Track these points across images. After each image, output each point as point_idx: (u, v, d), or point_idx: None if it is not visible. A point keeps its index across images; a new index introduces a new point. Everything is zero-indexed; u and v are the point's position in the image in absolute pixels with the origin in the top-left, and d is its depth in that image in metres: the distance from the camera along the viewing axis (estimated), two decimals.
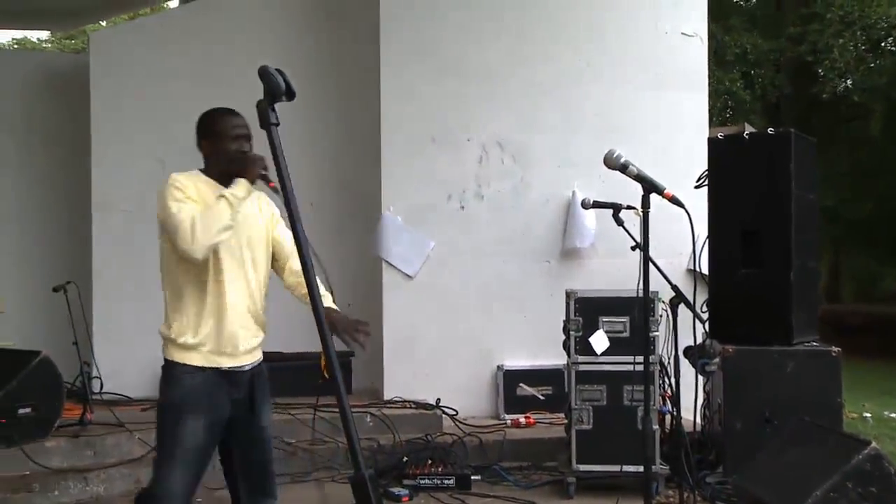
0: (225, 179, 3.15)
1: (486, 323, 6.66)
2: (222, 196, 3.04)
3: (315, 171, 6.83)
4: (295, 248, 2.89)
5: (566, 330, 5.31)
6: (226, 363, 3.22)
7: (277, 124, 1.56)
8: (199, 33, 7.23)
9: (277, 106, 1.72)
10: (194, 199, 3.10)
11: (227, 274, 3.19)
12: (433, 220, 6.69)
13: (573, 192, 6.64)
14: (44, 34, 19.19)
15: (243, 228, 3.21)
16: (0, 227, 7.62)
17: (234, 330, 3.21)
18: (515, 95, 6.77)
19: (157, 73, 7.07)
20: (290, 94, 1.55)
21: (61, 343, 5.95)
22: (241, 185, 3.09)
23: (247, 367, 3.29)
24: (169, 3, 10.39)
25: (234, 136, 3.25)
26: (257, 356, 3.35)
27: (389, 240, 6.62)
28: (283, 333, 6.92)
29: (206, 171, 3.28)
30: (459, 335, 6.62)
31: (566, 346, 5.31)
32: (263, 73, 1.55)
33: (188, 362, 3.21)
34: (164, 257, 3.27)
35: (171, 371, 3.24)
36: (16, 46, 17.26)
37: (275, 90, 1.55)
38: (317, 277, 2.85)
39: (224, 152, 3.24)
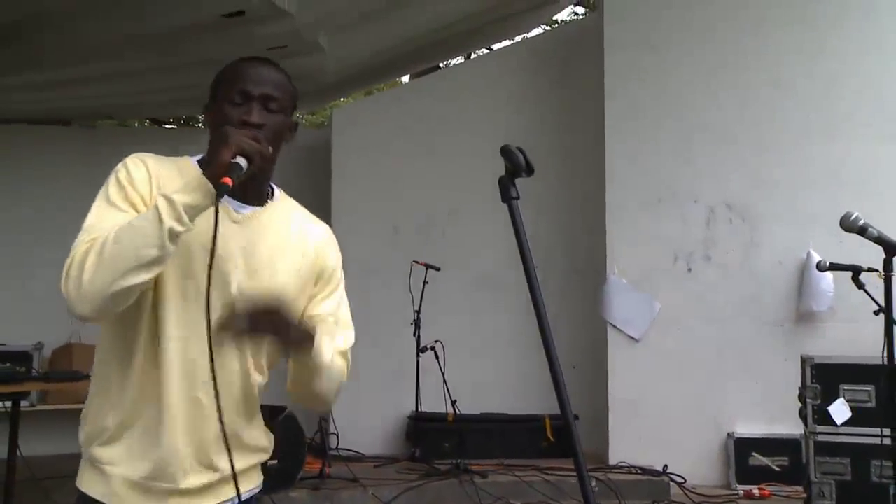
0: None
1: (715, 388, 6.44)
2: (161, 198, 1.68)
3: (539, 231, 6.97)
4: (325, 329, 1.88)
5: (802, 398, 5.05)
6: None
7: (518, 198, 1.66)
8: (429, 105, 7.63)
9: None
10: (136, 201, 1.79)
11: (172, 343, 1.81)
12: (660, 282, 6.61)
13: (808, 253, 6.35)
14: None
15: (235, 261, 1.86)
16: None
17: (174, 446, 1.81)
18: (744, 154, 6.61)
19: (391, 144, 7.53)
20: (529, 171, 1.65)
21: None
22: (193, 183, 1.70)
23: None
24: (402, 78, 11.02)
25: (236, 91, 1.86)
26: (229, 495, 1.88)
27: (615, 302, 6.60)
28: (507, 395, 7.10)
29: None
30: (688, 400, 6.44)
31: (803, 414, 5.05)
32: (505, 152, 1.66)
33: (89, 492, 1.85)
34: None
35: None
36: None
37: (516, 167, 1.65)
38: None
39: (218, 121, 1.87)
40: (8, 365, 5.10)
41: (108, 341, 1.85)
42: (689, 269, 6.60)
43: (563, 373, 1.65)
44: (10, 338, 6.94)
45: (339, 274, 2.07)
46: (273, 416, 5.68)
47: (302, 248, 1.98)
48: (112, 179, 1.81)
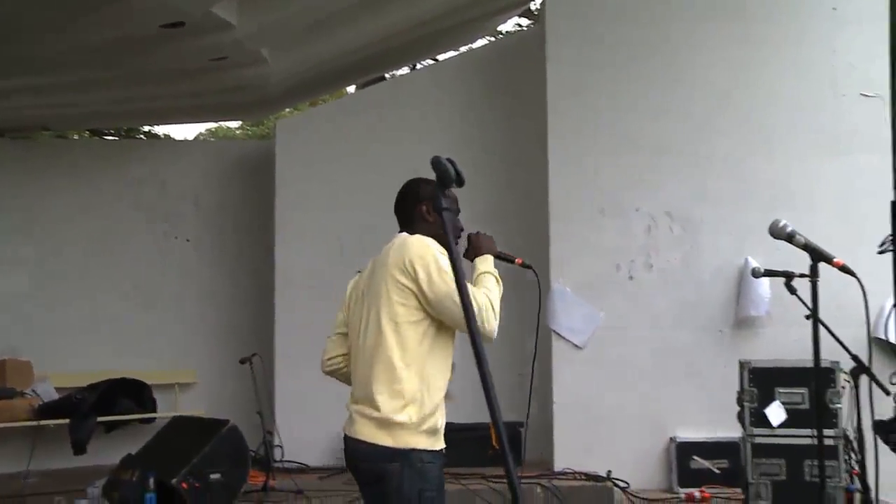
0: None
1: (658, 394, 6.55)
2: (488, 273, 3.29)
3: None
4: None
5: (740, 401, 5.17)
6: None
7: (448, 209, 1.70)
8: (374, 115, 7.66)
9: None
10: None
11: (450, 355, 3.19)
12: (602, 291, 6.69)
13: (746, 260, 6.49)
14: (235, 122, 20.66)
15: None
16: (193, 302, 8.20)
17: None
18: (685, 166, 6.73)
19: (335, 156, 7.53)
20: (459, 182, 1.69)
21: (247, 412, 6.33)
22: (491, 263, 3.36)
23: None
24: (348, 88, 11.01)
25: (457, 209, 3.35)
26: None
27: (559, 310, 6.67)
28: (453, 403, 7.12)
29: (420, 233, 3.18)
30: (631, 406, 6.53)
31: (741, 417, 5.17)
32: (435, 163, 1.69)
33: (435, 448, 3.09)
34: (417, 338, 3.11)
35: (422, 459, 3.01)
36: (211, 138, 18.70)
37: (446, 179, 1.69)
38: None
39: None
40: None
41: (432, 362, 3.17)
42: (631, 277, 6.70)
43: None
44: None
45: None
46: (215, 428, 5.63)
47: None
48: (439, 258, 3.04)
